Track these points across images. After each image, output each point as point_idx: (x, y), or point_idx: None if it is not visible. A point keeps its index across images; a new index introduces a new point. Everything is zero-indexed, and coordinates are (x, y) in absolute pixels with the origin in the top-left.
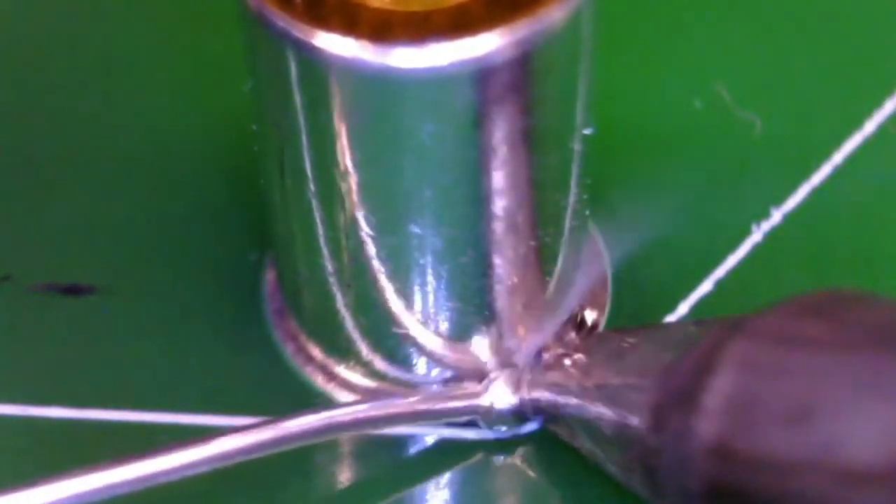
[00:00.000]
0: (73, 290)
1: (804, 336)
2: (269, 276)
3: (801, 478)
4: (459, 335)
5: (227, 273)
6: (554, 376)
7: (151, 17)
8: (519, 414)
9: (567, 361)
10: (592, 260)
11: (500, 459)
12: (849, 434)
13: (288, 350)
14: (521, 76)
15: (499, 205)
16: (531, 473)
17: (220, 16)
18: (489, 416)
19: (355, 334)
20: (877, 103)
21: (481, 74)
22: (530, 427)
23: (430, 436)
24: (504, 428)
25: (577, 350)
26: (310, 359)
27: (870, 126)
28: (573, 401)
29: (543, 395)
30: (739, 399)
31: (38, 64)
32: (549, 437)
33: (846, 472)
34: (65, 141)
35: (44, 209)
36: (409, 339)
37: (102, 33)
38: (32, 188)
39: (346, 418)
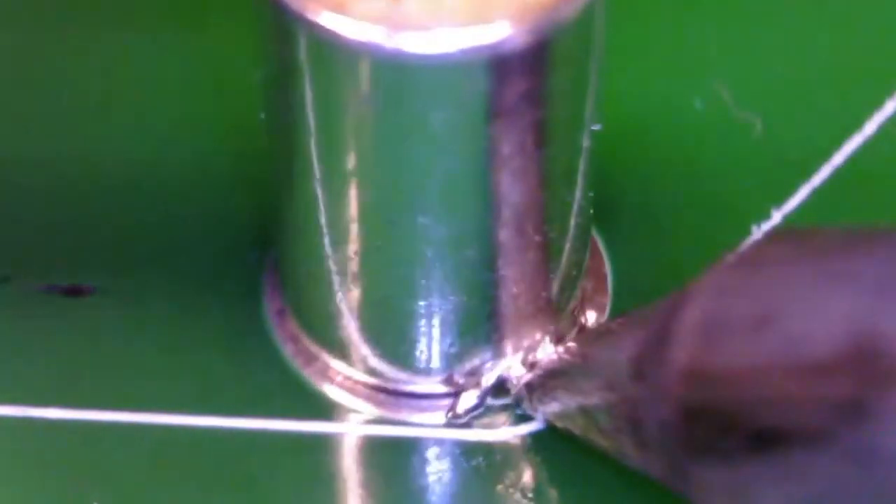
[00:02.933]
0: (73, 291)
1: (768, 257)
2: (269, 277)
3: (770, 382)
4: (461, 332)
5: (227, 273)
6: (546, 363)
7: (152, 12)
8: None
9: (560, 349)
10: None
11: (500, 460)
12: (810, 329)
13: (288, 350)
14: (535, 66)
15: (507, 197)
16: (532, 474)
17: (227, 11)
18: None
19: (356, 332)
20: (877, 103)
21: (495, 62)
22: (530, 428)
23: (430, 436)
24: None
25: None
26: (310, 359)
27: (870, 126)
28: (563, 379)
29: (535, 375)
30: (708, 321)
31: (38, 63)
32: (549, 438)
33: (811, 368)
34: (64, 140)
35: (44, 209)
36: (410, 336)
37: (102, 32)
38: (32, 188)
39: None
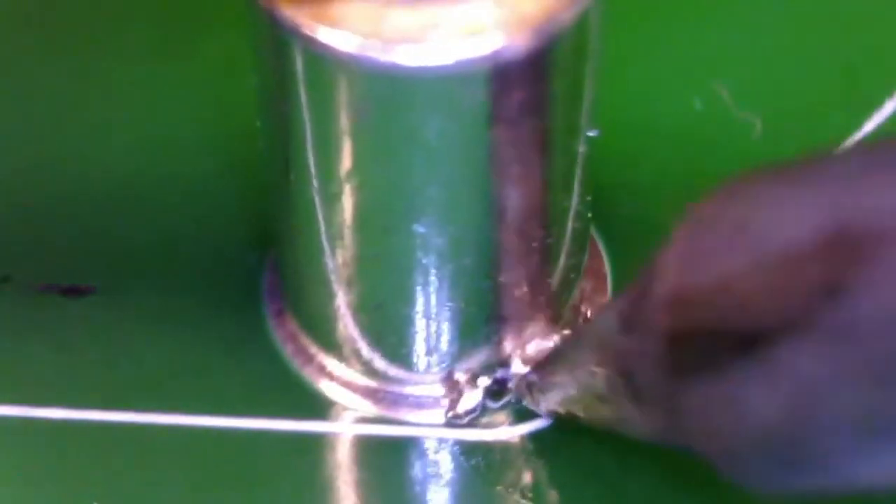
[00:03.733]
0: (73, 291)
1: (741, 185)
2: (269, 277)
3: (748, 284)
4: (460, 335)
5: (227, 273)
6: (543, 353)
7: (152, 14)
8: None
9: (555, 337)
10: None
11: (500, 459)
12: (783, 227)
13: (287, 350)
14: (531, 75)
15: (503, 205)
16: (531, 474)
17: (224, 12)
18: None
19: (355, 334)
20: (877, 103)
21: (490, 73)
22: (530, 427)
23: (429, 435)
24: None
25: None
26: (309, 359)
27: (870, 126)
28: (558, 360)
29: (533, 368)
30: (686, 252)
31: (38, 63)
32: (548, 438)
33: (786, 261)
34: (64, 141)
35: (44, 209)
36: (409, 339)
37: (101, 32)
38: (32, 188)
39: None
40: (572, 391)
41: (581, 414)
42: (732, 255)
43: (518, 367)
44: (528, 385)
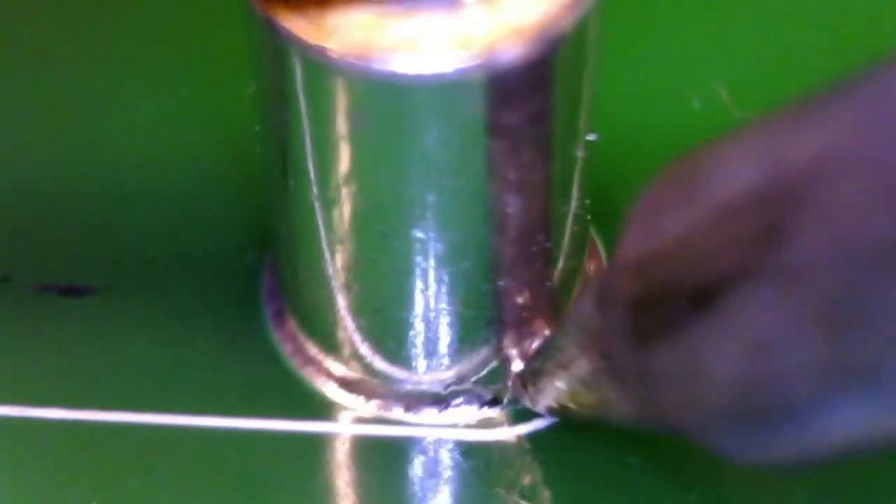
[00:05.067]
0: (72, 291)
1: (696, 151)
2: (268, 277)
3: (695, 240)
4: (459, 338)
5: (226, 274)
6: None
7: (153, 16)
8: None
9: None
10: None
11: (499, 460)
12: (726, 180)
13: (287, 350)
14: (528, 83)
15: (502, 211)
16: (531, 474)
17: (224, 16)
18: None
19: (355, 335)
20: None
21: (489, 81)
22: (530, 428)
23: (428, 436)
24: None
25: None
26: (309, 359)
27: None
28: (547, 350)
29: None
30: (646, 216)
31: (38, 64)
32: (548, 438)
33: (729, 213)
34: (64, 141)
35: (43, 209)
36: (408, 342)
37: (102, 33)
38: (32, 188)
39: None
40: (561, 382)
41: (572, 405)
42: (683, 214)
43: (517, 368)
44: (522, 383)
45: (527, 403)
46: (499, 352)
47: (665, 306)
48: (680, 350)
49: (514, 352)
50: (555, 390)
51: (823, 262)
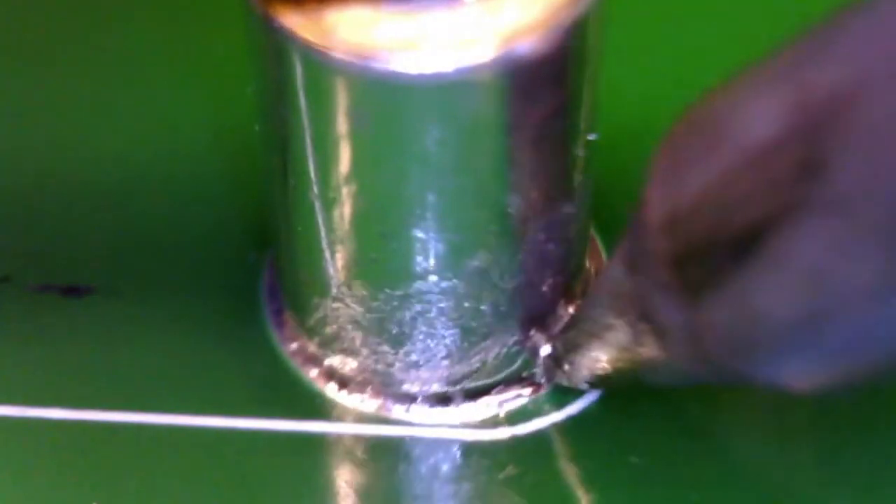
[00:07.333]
0: (72, 291)
1: (710, 95)
2: (269, 277)
3: (729, 185)
4: (460, 337)
5: (227, 273)
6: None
7: (153, 15)
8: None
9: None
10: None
11: (499, 460)
12: (754, 121)
13: (287, 350)
14: (528, 82)
15: (502, 211)
16: (531, 474)
17: (224, 14)
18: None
19: (355, 335)
20: None
21: (487, 81)
22: (530, 428)
23: (429, 436)
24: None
25: None
26: (309, 359)
27: None
28: (577, 325)
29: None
30: (669, 171)
31: (38, 64)
32: (548, 438)
33: (762, 152)
34: (64, 141)
35: (43, 209)
36: (409, 342)
37: (102, 33)
38: (31, 188)
39: None
40: (597, 352)
41: (612, 373)
42: (709, 163)
43: (543, 349)
44: (555, 360)
45: (563, 382)
46: (498, 351)
47: (706, 259)
48: (730, 297)
49: (539, 336)
50: (591, 362)
51: (872, 185)
